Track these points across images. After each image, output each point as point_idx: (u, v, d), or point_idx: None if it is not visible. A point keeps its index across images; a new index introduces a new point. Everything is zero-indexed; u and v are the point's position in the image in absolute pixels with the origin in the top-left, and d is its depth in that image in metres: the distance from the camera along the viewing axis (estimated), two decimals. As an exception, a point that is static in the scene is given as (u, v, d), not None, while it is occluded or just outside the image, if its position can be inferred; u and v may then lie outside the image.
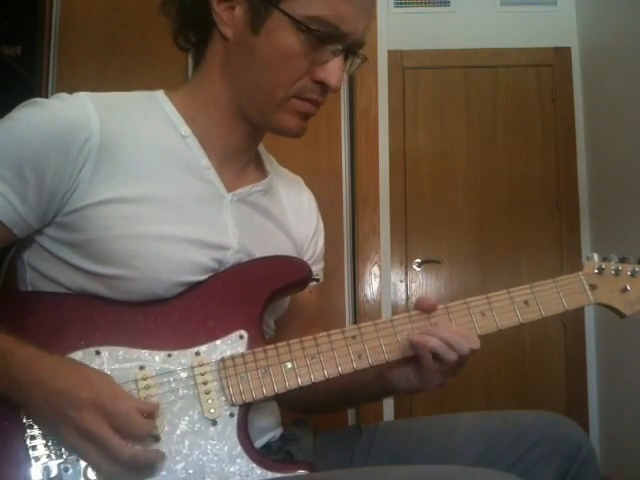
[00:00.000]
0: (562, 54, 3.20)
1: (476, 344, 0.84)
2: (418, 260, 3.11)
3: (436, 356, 0.83)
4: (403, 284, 3.12)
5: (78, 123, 0.80)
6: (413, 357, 0.84)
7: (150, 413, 0.74)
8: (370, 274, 2.23)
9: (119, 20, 2.24)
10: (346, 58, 0.87)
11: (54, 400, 0.71)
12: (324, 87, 0.85)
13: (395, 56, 3.09)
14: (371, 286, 2.23)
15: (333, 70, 0.84)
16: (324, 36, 0.81)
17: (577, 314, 3.03)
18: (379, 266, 2.23)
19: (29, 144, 0.78)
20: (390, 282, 3.05)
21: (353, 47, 0.86)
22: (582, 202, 3.11)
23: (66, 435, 0.71)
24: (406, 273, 3.12)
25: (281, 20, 0.81)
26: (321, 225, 1.08)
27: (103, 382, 0.73)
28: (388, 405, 2.35)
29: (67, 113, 0.80)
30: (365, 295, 2.23)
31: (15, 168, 0.78)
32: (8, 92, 1.83)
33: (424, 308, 0.87)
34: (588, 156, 3.13)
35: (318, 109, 0.88)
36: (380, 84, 2.34)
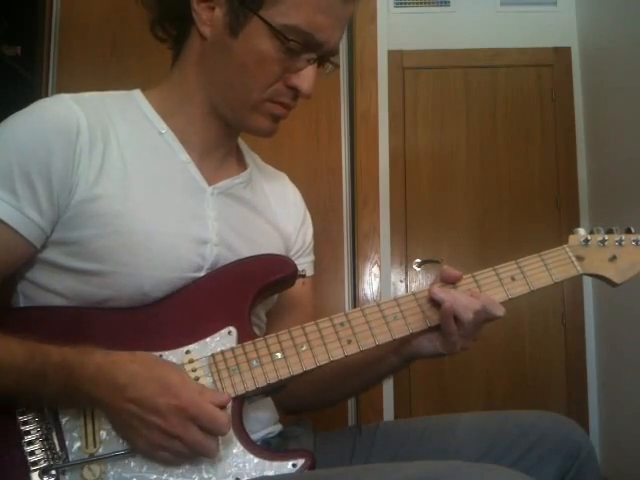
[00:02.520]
0: (562, 54, 3.20)
1: (500, 311, 0.86)
2: (418, 260, 3.11)
3: (455, 317, 0.84)
4: (403, 284, 3.12)
5: (68, 122, 0.81)
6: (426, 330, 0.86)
7: (227, 403, 0.76)
8: (370, 274, 2.23)
9: (119, 20, 2.24)
10: (320, 65, 0.88)
11: (135, 408, 0.72)
12: (296, 92, 0.88)
13: (395, 56, 3.09)
14: (371, 286, 2.23)
15: (306, 77, 0.86)
16: (300, 46, 0.83)
17: (577, 314, 3.03)
18: (379, 266, 2.23)
19: (32, 152, 0.79)
20: (390, 282, 3.05)
21: (327, 55, 0.88)
22: (582, 202, 3.11)
23: (149, 437, 0.72)
24: (406, 273, 3.12)
25: (259, 27, 0.83)
26: (308, 218, 1.09)
27: (180, 383, 0.74)
28: (388, 405, 2.35)
29: (56, 114, 0.82)
30: (365, 295, 2.23)
31: (24, 179, 0.78)
32: (8, 92, 1.83)
33: (448, 279, 0.88)
34: (588, 156, 3.13)
35: (289, 112, 0.91)
36: (380, 84, 2.34)
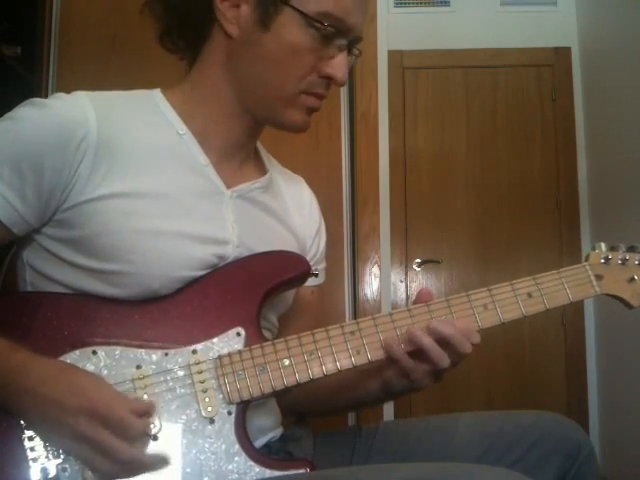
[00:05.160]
0: (562, 54, 3.20)
1: (476, 339, 0.83)
2: (418, 260, 3.11)
3: (431, 361, 0.82)
4: (403, 284, 3.12)
5: (75, 121, 0.80)
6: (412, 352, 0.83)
7: (144, 412, 0.74)
8: (370, 274, 2.22)
9: (119, 20, 2.23)
10: (348, 53, 0.88)
11: (45, 408, 0.71)
12: (329, 82, 0.87)
13: (395, 56, 3.09)
14: (371, 286, 2.23)
15: (339, 65, 0.86)
16: (333, 32, 0.83)
17: (577, 314, 3.03)
18: (379, 266, 2.23)
19: (27, 143, 0.79)
20: (390, 282, 3.05)
21: (355, 42, 0.88)
22: (582, 202, 3.11)
23: (62, 440, 0.71)
24: (406, 273, 3.12)
25: (291, 17, 0.82)
26: (323, 225, 1.09)
27: (94, 386, 0.73)
28: (388, 405, 2.35)
29: (65, 111, 0.81)
30: (365, 295, 2.22)
31: (14, 167, 0.78)
32: (8, 92, 1.82)
33: (422, 298, 0.86)
34: (588, 156, 3.13)
35: (322, 103, 0.90)
36: (380, 84, 2.34)
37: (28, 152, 0.78)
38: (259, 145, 1.01)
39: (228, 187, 0.90)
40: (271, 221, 0.96)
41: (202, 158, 0.88)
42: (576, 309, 3.00)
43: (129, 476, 0.72)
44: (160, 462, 0.74)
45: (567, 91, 3.18)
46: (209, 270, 0.84)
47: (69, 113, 0.81)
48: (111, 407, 0.70)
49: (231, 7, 0.85)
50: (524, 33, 3.16)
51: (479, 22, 3.20)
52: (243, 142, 0.93)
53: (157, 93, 0.92)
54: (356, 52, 0.90)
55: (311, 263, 0.98)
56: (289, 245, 0.95)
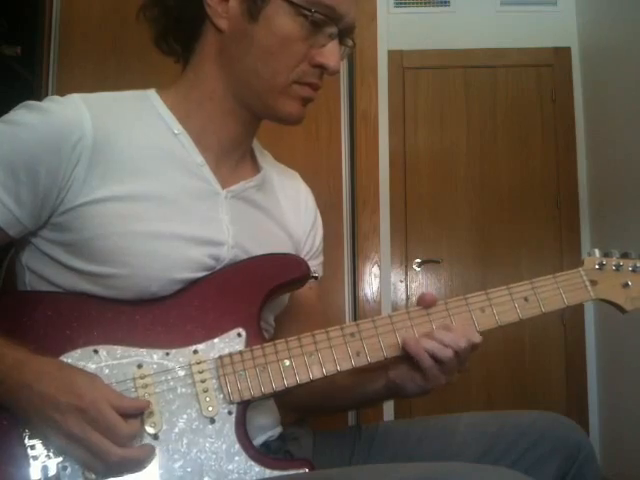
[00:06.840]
0: (562, 54, 3.20)
1: (477, 338, 0.84)
2: (418, 260, 3.11)
3: (433, 356, 0.83)
4: (403, 284, 3.12)
5: (70, 124, 0.80)
6: (411, 357, 0.84)
7: (135, 413, 0.74)
8: (370, 274, 2.22)
9: (119, 20, 2.23)
10: (340, 42, 0.88)
11: (39, 403, 0.71)
12: (322, 71, 0.87)
13: (395, 56, 3.09)
14: (371, 286, 2.23)
15: (331, 53, 0.86)
16: (323, 19, 0.83)
17: (577, 314, 3.03)
18: (379, 266, 2.23)
19: (22, 146, 0.79)
20: (390, 282, 3.05)
21: (346, 30, 0.88)
22: (582, 202, 3.11)
23: (53, 437, 0.72)
24: (406, 273, 3.12)
25: (279, 6, 0.83)
26: (319, 220, 1.08)
27: (87, 385, 0.72)
28: (388, 405, 2.35)
29: (59, 114, 0.81)
30: (365, 295, 2.22)
31: (8, 169, 0.78)
32: (8, 92, 1.82)
33: (424, 303, 0.87)
34: (588, 156, 3.13)
35: (317, 94, 0.90)
36: (380, 84, 2.34)
37: (23, 155, 0.78)
38: (254, 142, 1.01)
39: (224, 187, 0.90)
40: (265, 220, 0.96)
41: (198, 158, 0.88)
42: (576, 309, 3.00)
43: (124, 474, 0.72)
44: (154, 458, 0.74)
45: (567, 91, 3.18)
46: (205, 271, 0.85)
47: (64, 115, 0.81)
48: (100, 409, 0.70)
49: (220, 1, 0.86)
50: (524, 33, 3.16)
51: (479, 22, 3.20)
52: (240, 140, 0.93)
53: (152, 93, 0.92)
54: (350, 43, 0.90)
55: (307, 258, 0.99)
56: (283, 244, 0.96)
